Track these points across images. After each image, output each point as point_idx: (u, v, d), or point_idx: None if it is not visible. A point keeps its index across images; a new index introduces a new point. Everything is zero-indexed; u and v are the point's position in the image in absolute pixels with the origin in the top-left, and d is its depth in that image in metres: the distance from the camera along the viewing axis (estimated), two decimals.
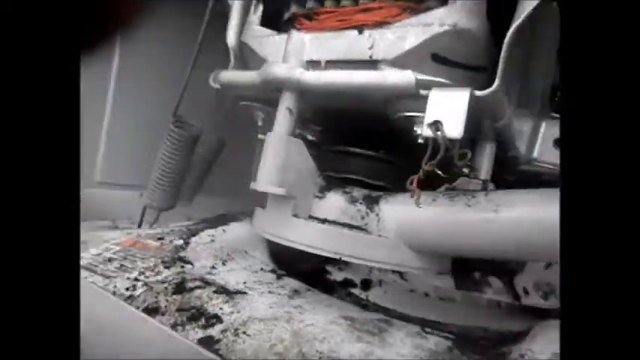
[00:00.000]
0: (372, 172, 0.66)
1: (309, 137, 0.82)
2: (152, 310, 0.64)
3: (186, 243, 0.89)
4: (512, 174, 0.83)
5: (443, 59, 0.50)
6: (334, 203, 0.60)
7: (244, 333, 0.58)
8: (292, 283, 0.84)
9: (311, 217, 0.60)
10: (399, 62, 0.51)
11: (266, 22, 0.68)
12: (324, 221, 0.60)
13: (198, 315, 0.63)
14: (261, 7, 0.67)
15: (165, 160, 0.95)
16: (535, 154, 0.83)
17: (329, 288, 0.93)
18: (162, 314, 0.63)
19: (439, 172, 0.67)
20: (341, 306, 0.75)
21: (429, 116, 0.46)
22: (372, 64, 0.53)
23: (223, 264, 0.88)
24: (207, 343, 0.56)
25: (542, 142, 0.84)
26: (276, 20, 0.67)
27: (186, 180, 1.07)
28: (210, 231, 0.95)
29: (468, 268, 0.94)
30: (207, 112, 0.98)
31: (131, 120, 1.14)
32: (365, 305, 0.93)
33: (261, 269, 0.89)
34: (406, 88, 0.49)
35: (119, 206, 1.14)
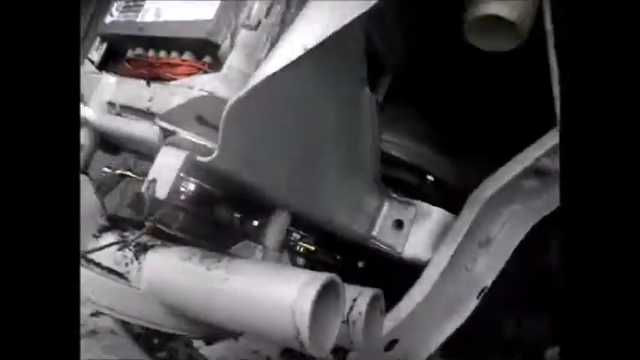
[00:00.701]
0: None
1: None
2: None
3: None
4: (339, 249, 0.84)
5: (205, 121, 0.51)
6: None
7: None
8: (103, 323, 0.81)
9: (83, 257, 0.59)
10: (167, 118, 0.52)
11: (107, 61, 0.70)
12: (93, 263, 0.58)
13: None
14: (104, 47, 0.70)
15: None
16: (375, 232, 0.84)
17: (168, 336, 0.89)
18: None
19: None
20: (128, 356, 0.72)
21: (150, 173, 0.47)
22: (150, 115, 0.54)
23: None
24: None
25: (382, 222, 0.85)
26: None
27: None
28: None
29: None
30: None
31: None
32: (191, 357, 0.89)
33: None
34: (154, 142, 0.50)
35: None
